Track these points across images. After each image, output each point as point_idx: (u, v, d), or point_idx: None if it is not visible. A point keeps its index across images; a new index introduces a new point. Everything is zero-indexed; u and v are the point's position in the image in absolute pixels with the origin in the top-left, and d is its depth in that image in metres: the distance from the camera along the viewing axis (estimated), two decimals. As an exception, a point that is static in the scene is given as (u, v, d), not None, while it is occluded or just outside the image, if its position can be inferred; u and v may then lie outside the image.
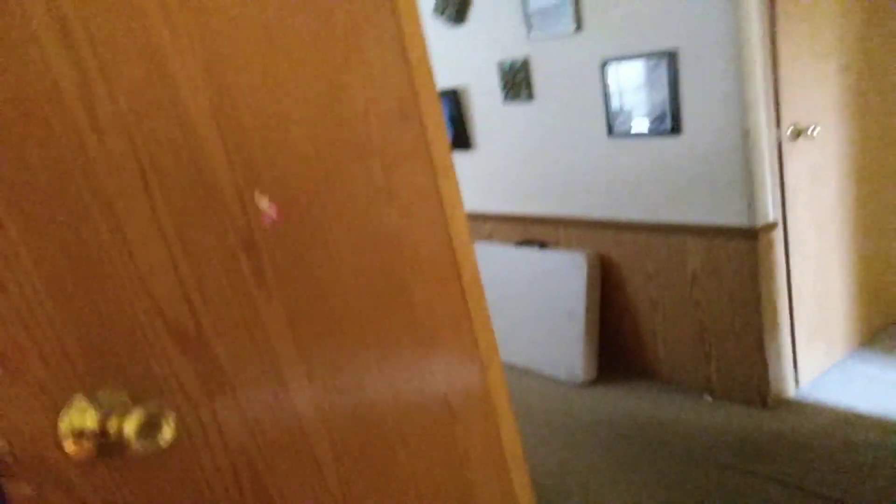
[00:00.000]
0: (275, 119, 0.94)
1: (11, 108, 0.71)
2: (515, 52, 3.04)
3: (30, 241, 0.73)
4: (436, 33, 3.31)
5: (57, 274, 0.75)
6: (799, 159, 2.59)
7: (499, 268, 3.46)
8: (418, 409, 1.19)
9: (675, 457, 2.54)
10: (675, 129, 2.58)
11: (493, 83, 3.21)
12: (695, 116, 2.52)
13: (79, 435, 0.72)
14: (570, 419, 2.94)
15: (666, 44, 2.49)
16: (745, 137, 2.41)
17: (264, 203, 0.93)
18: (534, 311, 3.33)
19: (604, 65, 2.71)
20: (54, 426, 0.73)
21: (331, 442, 1.05)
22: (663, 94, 2.56)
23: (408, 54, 1.13)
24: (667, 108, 2.57)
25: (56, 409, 0.74)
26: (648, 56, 2.55)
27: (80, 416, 0.73)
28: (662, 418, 2.82)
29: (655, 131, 2.65)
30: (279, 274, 0.96)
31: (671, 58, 2.49)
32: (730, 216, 2.56)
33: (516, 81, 3.09)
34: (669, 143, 2.63)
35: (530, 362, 3.38)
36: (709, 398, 2.89)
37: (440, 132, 1.20)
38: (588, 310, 3.10)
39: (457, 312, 1.25)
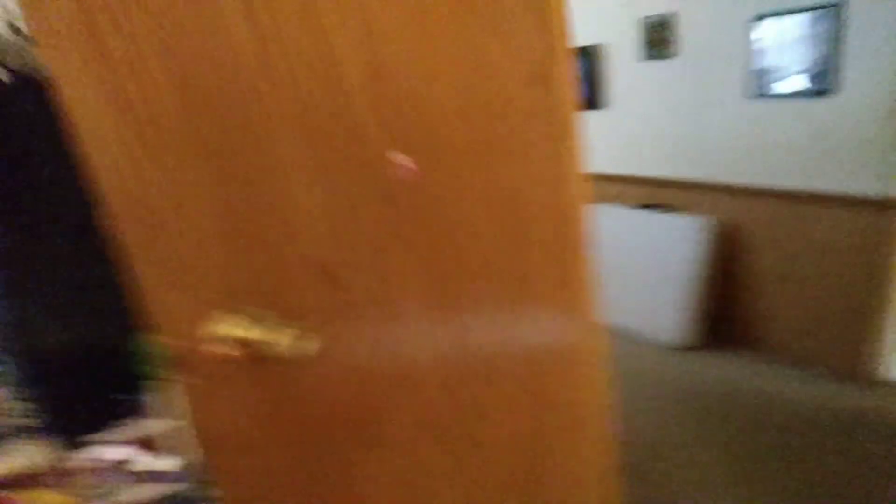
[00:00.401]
0: (422, 84, 1.03)
1: (209, 70, 0.84)
2: (664, 7, 2.91)
3: (209, 187, 0.87)
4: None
5: (234, 214, 0.89)
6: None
7: (621, 230, 3.42)
8: (523, 356, 1.28)
9: (770, 428, 2.49)
10: (830, 89, 2.39)
11: (634, 40, 3.10)
12: (856, 75, 2.32)
13: (242, 343, 0.88)
14: (670, 384, 2.92)
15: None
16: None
17: (402, 157, 1.03)
18: (649, 274, 3.28)
19: (759, 19, 2.54)
20: (224, 334, 0.89)
21: (441, 377, 1.17)
22: (823, 50, 2.36)
23: (549, 18, 1.16)
24: (825, 66, 2.38)
25: (222, 320, 0.90)
26: (812, 8, 2.36)
27: (244, 328, 0.89)
28: (761, 390, 2.75)
29: (810, 91, 2.47)
30: (415, 224, 1.06)
31: (835, 10, 2.28)
32: (874, 186, 2.37)
33: (661, 38, 2.96)
34: (819, 105, 2.46)
35: (640, 324, 3.36)
36: (809, 373, 2.77)
37: (571, 94, 1.23)
38: (701, 275, 3.02)
39: (568, 269, 1.30)
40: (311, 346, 0.87)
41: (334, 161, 0.97)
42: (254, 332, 0.90)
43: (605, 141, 3.49)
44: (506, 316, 1.23)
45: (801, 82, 2.48)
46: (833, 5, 2.29)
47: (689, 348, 3.15)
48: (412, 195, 1.05)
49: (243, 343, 0.90)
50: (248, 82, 0.88)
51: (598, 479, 1.48)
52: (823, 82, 2.41)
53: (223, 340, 0.90)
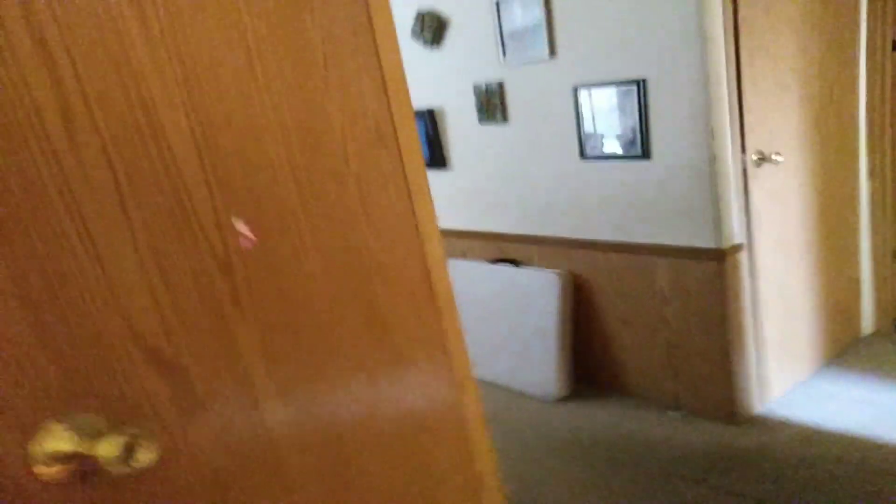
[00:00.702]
0: (253, 143, 0.96)
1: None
2: (490, 76, 3.10)
3: (4, 262, 0.73)
4: (413, 55, 3.36)
5: (31, 296, 0.75)
6: (763, 184, 2.68)
7: (473, 285, 3.49)
8: (391, 427, 1.20)
9: (644, 471, 2.58)
10: (646, 153, 2.65)
11: (469, 105, 3.26)
12: (664, 142, 2.60)
13: (54, 459, 0.73)
14: (544, 435, 2.96)
15: (636, 72, 2.57)
16: (712, 163, 2.49)
17: (242, 226, 0.95)
18: (508, 328, 3.36)
19: (576, 90, 2.78)
20: (26, 450, 0.73)
21: (302, 459, 1.06)
22: (634, 119, 2.63)
23: (386, 79, 1.16)
24: (637, 133, 2.64)
25: (31, 432, 0.74)
26: (619, 83, 2.63)
27: (55, 441, 0.73)
28: (633, 434, 2.86)
29: (626, 155, 2.72)
30: (254, 296, 0.97)
31: (641, 85, 2.56)
32: (697, 238, 2.63)
33: (491, 104, 3.14)
34: (640, 166, 2.70)
35: (505, 379, 3.41)
36: (676, 414, 2.95)
37: (416, 154, 1.23)
38: (561, 327, 3.14)
39: (431, 331, 1.27)
40: (148, 453, 0.74)
41: (162, 233, 0.86)
42: (79, 445, 0.75)
43: (450, 199, 3.59)
44: (369, 382, 1.16)
45: (621, 147, 2.73)
46: (638, 81, 2.57)
47: (559, 399, 3.22)
48: (251, 264, 0.97)
49: (67, 459, 0.74)
50: (44, 145, 0.76)
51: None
52: (638, 148, 2.67)
53: (35, 459, 0.73)
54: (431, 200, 1.27)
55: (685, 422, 2.88)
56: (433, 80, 3.39)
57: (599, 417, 3.03)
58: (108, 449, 0.70)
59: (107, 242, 0.81)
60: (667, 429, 2.86)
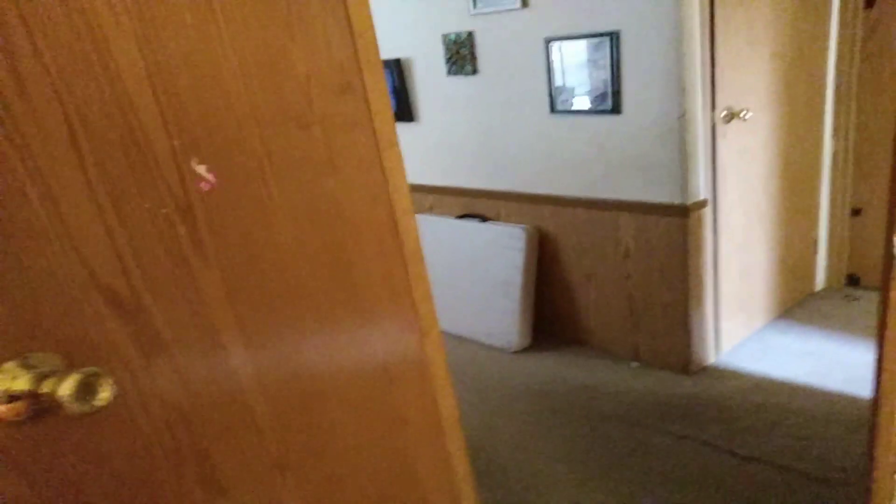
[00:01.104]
0: (213, 85, 0.93)
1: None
2: (460, 26, 3.04)
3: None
4: (381, 2, 3.27)
5: (-16, 235, 0.73)
6: (730, 141, 2.71)
7: (440, 240, 3.50)
8: (357, 375, 1.22)
9: (600, 418, 2.68)
10: (616, 108, 2.65)
11: (438, 55, 3.21)
12: (634, 97, 2.60)
13: (9, 397, 0.72)
14: (504, 385, 3.04)
15: (609, 25, 2.55)
16: (682, 119, 2.50)
17: (201, 168, 0.93)
18: (472, 282, 3.39)
19: (548, 42, 2.75)
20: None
21: (269, 405, 1.07)
22: (605, 74, 2.62)
23: (352, 23, 1.13)
24: (608, 87, 2.64)
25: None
26: (592, 36, 2.60)
27: (11, 379, 0.73)
28: (591, 383, 2.95)
29: (596, 110, 2.72)
30: (217, 241, 0.96)
31: (614, 38, 2.54)
32: (663, 194, 2.67)
33: (461, 55, 3.09)
34: (609, 121, 2.71)
35: (468, 331, 3.46)
36: (635, 364, 3.04)
37: (384, 103, 1.21)
38: (524, 281, 3.18)
39: (397, 282, 1.28)
40: (104, 392, 0.74)
41: (117, 173, 0.84)
42: (34, 384, 0.74)
43: (417, 153, 3.56)
44: (336, 331, 1.17)
45: (591, 102, 2.72)
46: (611, 34, 2.55)
47: (521, 350, 3.29)
48: (214, 208, 0.95)
49: (16, 397, 0.73)
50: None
51: (457, 489, 1.46)
52: (608, 103, 2.66)
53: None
54: (399, 150, 1.25)
55: (642, 372, 2.98)
56: (401, 28, 3.31)
57: (558, 368, 3.12)
58: (63, 387, 0.70)
59: (59, 182, 0.78)
60: (624, 378, 2.95)
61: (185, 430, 0.95)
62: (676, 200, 2.64)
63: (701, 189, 2.66)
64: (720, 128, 2.65)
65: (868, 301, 3.30)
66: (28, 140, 0.76)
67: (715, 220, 2.77)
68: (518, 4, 2.77)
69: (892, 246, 1.27)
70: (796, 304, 3.38)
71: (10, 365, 0.74)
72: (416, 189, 3.66)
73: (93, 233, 0.82)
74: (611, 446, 2.50)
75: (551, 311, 3.36)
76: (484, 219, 3.41)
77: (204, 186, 0.93)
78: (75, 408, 0.70)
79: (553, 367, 3.13)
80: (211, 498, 1.00)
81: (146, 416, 0.90)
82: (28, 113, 0.75)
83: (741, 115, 2.69)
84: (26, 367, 0.74)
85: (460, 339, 3.48)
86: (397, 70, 3.40)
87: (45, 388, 0.71)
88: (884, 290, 1.33)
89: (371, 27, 1.17)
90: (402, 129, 3.54)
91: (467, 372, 3.18)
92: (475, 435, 2.66)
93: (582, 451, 2.49)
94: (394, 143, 1.24)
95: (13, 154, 0.75)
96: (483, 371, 3.18)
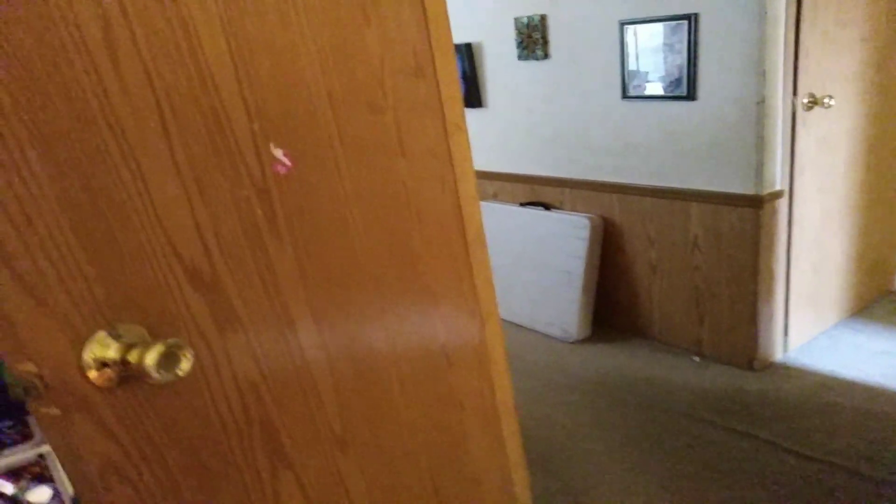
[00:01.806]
0: (291, 69, 0.96)
1: (37, 53, 0.73)
2: (533, 9, 3.00)
3: (54, 178, 0.76)
4: (453, -17, 3.25)
5: (79, 210, 0.78)
6: (811, 129, 2.58)
7: (503, 228, 3.49)
8: (417, 357, 1.24)
9: (658, 411, 2.63)
10: (691, 94, 2.56)
11: (509, 39, 3.17)
12: (711, 82, 2.50)
13: (101, 364, 0.77)
14: (562, 374, 3.02)
15: (687, 7, 2.45)
16: (760, 105, 2.40)
17: (278, 152, 0.96)
18: (534, 270, 3.38)
19: (623, 26, 2.67)
20: (78, 355, 0.78)
21: (333, 383, 1.10)
22: (681, 58, 2.53)
23: (426, 7, 1.13)
24: (683, 72, 2.55)
25: (80, 339, 0.78)
26: (669, 19, 2.52)
27: (102, 348, 0.78)
28: (650, 376, 2.90)
29: (670, 95, 2.63)
30: (290, 223, 0.99)
31: (692, 21, 2.45)
32: (736, 183, 2.57)
33: (532, 39, 3.05)
34: (683, 107, 2.62)
35: (528, 320, 3.45)
36: (697, 359, 2.97)
37: (454, 88, 1.21)
38: (587, 271, 3.14)
39: (459, 268, 1.29)
40: (185, 362, 0.78)
41: (201, 155, 0.88)
42: (124, 353, 0.79)
43: (483, 139, 3.55)
44: (399, 313, 1.19)
45: (665, 87, 2.64)
46: (689, 16, 2.45)
47: (580, 340, 3.26)
48: (289, 189, 0.98)
49: (107, 364, 0.79)
50: (87, 64, 0.77)
51: (508, 473, 1.48)
52: (683, 88, 2.57)
53: (86, 364, 0.78)
54: (467, 136, 1.25)
55: (704, 367, 2.90)
56: (473, 12, 3.29)
57: (617, 360, 3.07)
58: (149, 356, 0.74)
59: (148, 161, 0.83)
60: (685, 372, 2.88)
61: (255, 402, 1.00)
62: (750, 190, 2.53)
63: (777, 179, 2.54)
64: (801, 115, 2.52)
65: (955, 303, 3.10)
66: (123, 123, 0.80)
67: (790, 212, 2.65)
68: (592, -14, 2.70)
69: None
70: (873, 301, 3.21)
71: (101, 334, 0.79)
72: (481, 176, 3.65)
73: (178, 212, 0.86)
74: (668, 439, 2.45)
75: (613, 302, 3.31)
76: (547, 207, 3.38)
77: (280, 170, 0.96)
78: (159, 376, 0.75)
79: (612, 359, 3.08)
80: (277, 468, 1.04)
81: (220, 387, 0.95)
82: (124, 98, 0.80)
83: (824, 102, 2.55)
84: (115, 336, 0.79)
85: (520, 328, 3.48)
86: (468, 54, 3.38)
87: (132, 357, 0.76)
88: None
89: (444, 11, 1.17)
90: (470, 115, 3.53)
91: (525, 360, 3.18)
92: (530, 423, 2.66)
93: (637, 442, 2.46)
94: (462, 129, 1.24)
95: (110, 137, 0.79)
96: (541, 360, 3.17)
